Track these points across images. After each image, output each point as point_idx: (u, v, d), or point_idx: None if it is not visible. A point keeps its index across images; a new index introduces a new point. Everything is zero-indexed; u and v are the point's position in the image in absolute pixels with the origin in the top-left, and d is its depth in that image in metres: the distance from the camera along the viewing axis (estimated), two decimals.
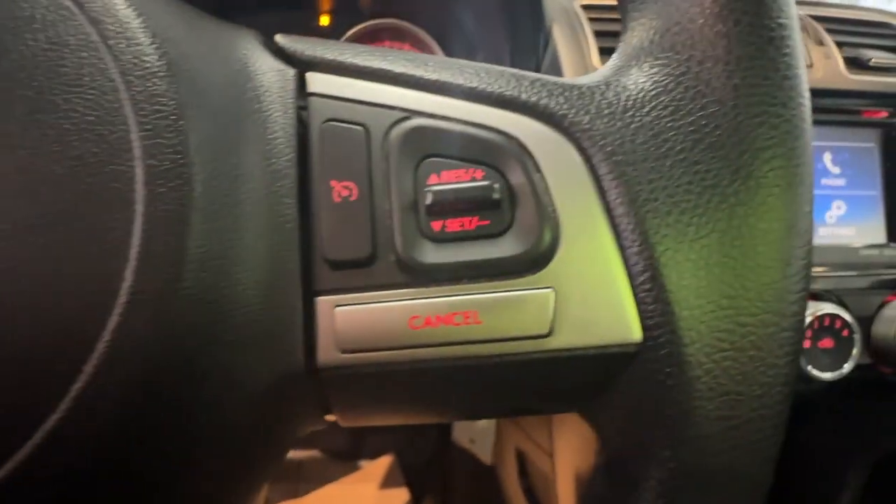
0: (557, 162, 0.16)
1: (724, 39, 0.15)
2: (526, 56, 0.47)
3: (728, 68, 0.15)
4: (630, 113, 0.15)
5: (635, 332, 0.15)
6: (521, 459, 0.71)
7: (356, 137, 0.16)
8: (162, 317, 0.13)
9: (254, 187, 0.15)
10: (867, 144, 0.46)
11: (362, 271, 0.16)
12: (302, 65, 0.17)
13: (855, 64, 0.45)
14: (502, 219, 0.16)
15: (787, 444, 0.54)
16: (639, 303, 0.15)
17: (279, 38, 0.18)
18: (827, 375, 0.41)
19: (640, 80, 0.16)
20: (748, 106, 0.14)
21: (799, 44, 0.15)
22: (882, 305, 0.44)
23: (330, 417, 0.18)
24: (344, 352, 0.16)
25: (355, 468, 0.92)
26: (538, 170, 0.16)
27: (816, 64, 0.45)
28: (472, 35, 0.54)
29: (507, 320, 0.15)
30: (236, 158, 0.15)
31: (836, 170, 0.46)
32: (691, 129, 0.15)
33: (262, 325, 0.15)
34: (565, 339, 0.15)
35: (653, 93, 0.15)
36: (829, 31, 0.47)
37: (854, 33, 0.48)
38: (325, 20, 0.60)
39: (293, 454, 0.92)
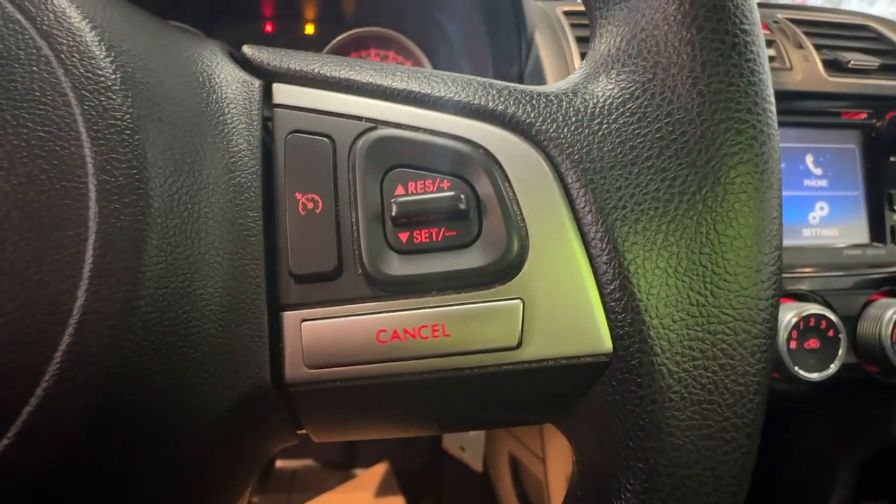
0: (525, 171, 0.15)
1: (688, 46, 0.15)
2: (509, 62, 0.47)
3: (693, 75, 0.15)
4: (598, 120, 0.15)
5: (606, 343, 0.15)
6: (515, 465, 0.71)
7: (321, 149, 0.16)
8: (117, 336, 0.12)
9: (216, 201, 0.15)
10: (848, 145, 0.46)
11: (328, 285, 0.16)
12: (268, 75, 0.17)
13: (834, 66, 0.46)
14: (470, 229, 0.16)
15: (776, 444, 0.54)
16: (609, 312, 0.15)
17: (246, 49, 0.18)
18: (814, 376, 0.41)
19: (607, 87, 0.16)
20: (713, 112, 0.14)
21: (763, 49, 0.15)
22: (867, 304, 0.44)
23: (302, 432, 0.18)
24: (311, 367, 0.15)
25: (350, 476, 0.91)
26: (506, 179, 0.15)
27: (796, 67, 0.45)
28: (455, 42, 0.54)
29: (475, 333, 0.15)
30: (197, 172, 0.15)
31: (817, 171, 0.46)
32: (658, 136, 0.15)
33: (226, 342, 0.15)
34: (535, 350, 0.15)
35: (620, 100, 0.15)
36: (808, 34, 0.47)
37: (833, 36, 0.48)
38: (310, 29, 0.60)
39: (286, 464, 0.91)
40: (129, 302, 0.13)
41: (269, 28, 0.59)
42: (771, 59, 0.45)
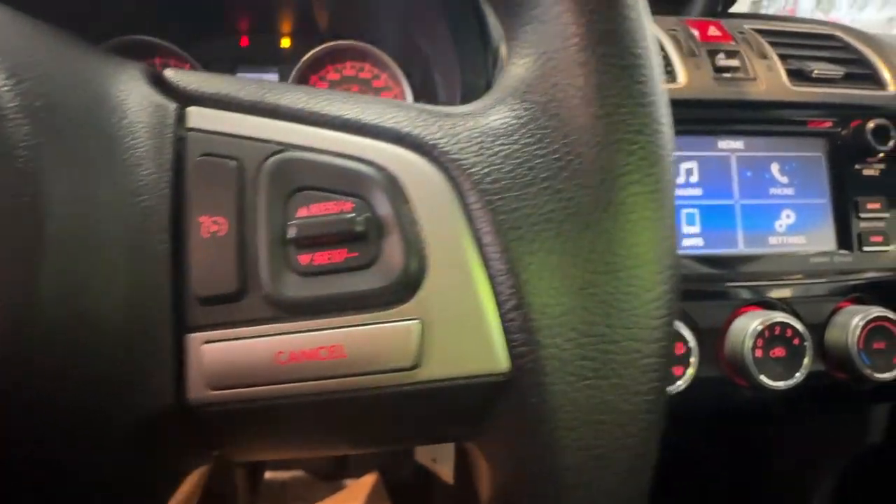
0: (427, 192, 0.16)
1: (583, 69, 0.15)
2: (476, 74, 0.47)
3: (587, 98, 0.15)
4: (499, 142, 0.16)
5: (503, 362, 0.15)
6: None
7: (229, 171, 0.16)
8: (8, 360, 0.13)
9: (121, 224, 0.15)
10: (814, 154, 0.47)
11: (231, 307, 0.16)
12: (184, 99, 0.17)
13: (798, 76, 0.46)
14: (369, 251, 0.16)
15: (753, 453, 0.54)
16: (506, 331, 0.15)
17: (167, 72, 0.18)
18: (779, 384, 0.41)
19: (513, 108, 0.16)
20: (606, 134, 0.15)
21: (655, 71, 0.16)
22: (834, 312, 0.44)
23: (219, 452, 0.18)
24: (214, 388, 0.16)
25: (339, 487, 0.90)
26: (406, 200, 0.16)
27: (760, 77, 0.46)
28: (428, 54, 0.55)
29: (371, 354, 0.15)
30: (101, 196, 0.15)
31: (783, 179, 0.46)
32: (555, 157, 0.15)
33: (129, 364, 0.15)
34: (433, 370, 0.15)
35: (522, 121, 0.16)
36: (773, 44, 0.48)
37: (799, 46, 0.49)
38: (285, 43, 0.60)
39: (276, 475, 0.90)
40: (22, 326, 0.13)
41: (244, 42, 0.60)
42: (735, 69, 0.46)
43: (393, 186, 0.16)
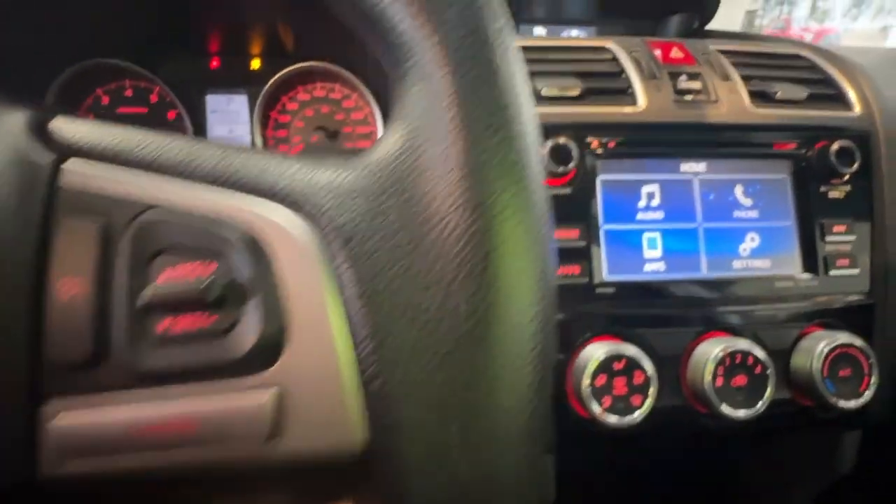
0: (294, 250, 0.15)
1: (450, 126, 0.14)
2: None
3: (451, 157, 0.14)
4: (371, 200, 0.15)
5: (361, 434, 0.14)
6: None
7: (92, 232, 0.16)
8: None
9: None
10: (779, 176, 0.46)
11: (86, 374, 0.15)
12: (65, 150, 0.17)
13: (761, 97, 0.46)
14: (228, 317, 0.15)
15: (724, 483, 0.52)
16: (367, 400, 0.14)
17: (54, 122, 0.17)
18: (740, 413, 0.40)
19: (389, 166, 0.16)
20: (468, 195, 0.14)
21: (525, 128, 0.15)
22: (799, 337, 0.43)
23: None
24: (68, 458, 0.15)
25: None
26: (270, 261, 0.15)
27: (721, 99, 0.45)
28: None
29: (223, 424, 0.15)
30: None
31: (748, 202, 0.45)
32: (422, 218, 0.15)
33: None
34: (291, 443, 0.15)
35: (393, 179, 0.15)
36: (737, 65, 0.47)
37: (763, 66, 0.48)
38: (255, 64, 0.61)
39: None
40: None
41: (215, 64, 0.60)
42: (696, 91, 0.45)
43: (256, 248, 0.15)
